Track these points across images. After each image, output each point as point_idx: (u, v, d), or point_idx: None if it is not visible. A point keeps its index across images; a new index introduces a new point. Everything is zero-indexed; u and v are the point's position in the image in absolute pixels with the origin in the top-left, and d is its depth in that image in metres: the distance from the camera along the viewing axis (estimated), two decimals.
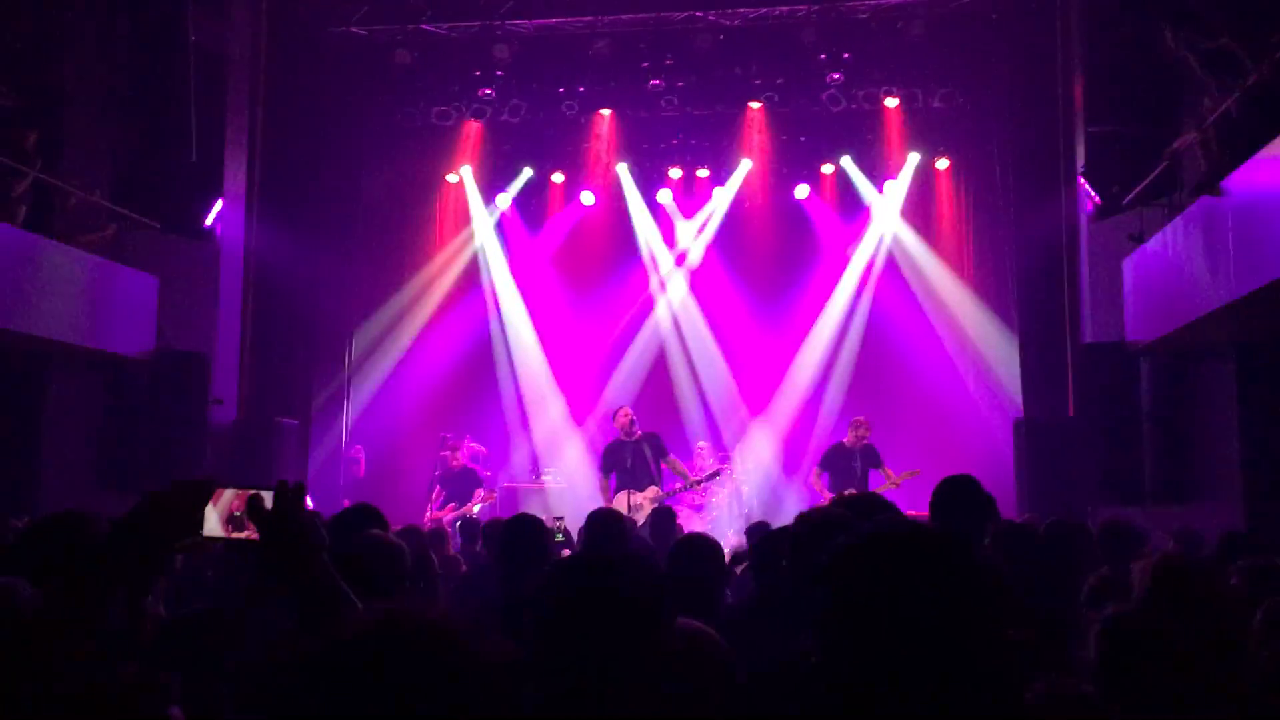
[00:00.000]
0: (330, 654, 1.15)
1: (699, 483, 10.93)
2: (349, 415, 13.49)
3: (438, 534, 7.47)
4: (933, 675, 1.40)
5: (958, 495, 4.22)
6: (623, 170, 14.19)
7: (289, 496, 2.00)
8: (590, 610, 1.85)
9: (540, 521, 4.88)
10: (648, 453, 10.63)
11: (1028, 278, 11.84)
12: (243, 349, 11.78)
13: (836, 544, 1.52)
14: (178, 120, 10.49)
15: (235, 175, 11.65)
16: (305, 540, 1.97)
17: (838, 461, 10.81)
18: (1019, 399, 11.89)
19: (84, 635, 1.93)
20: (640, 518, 9.38)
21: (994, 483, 11.27)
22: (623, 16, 12.64)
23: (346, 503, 8.77)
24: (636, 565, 1.99)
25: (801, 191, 14.01)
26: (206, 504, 1.93)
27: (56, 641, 1.91)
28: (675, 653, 1.95)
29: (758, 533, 5.59)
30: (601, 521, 5.18)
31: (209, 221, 11.14)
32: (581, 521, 7.33)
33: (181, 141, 10.48)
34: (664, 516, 7.11)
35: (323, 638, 1.17)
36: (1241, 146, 6.89)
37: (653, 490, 10.39)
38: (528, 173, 14.26)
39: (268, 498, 2.00)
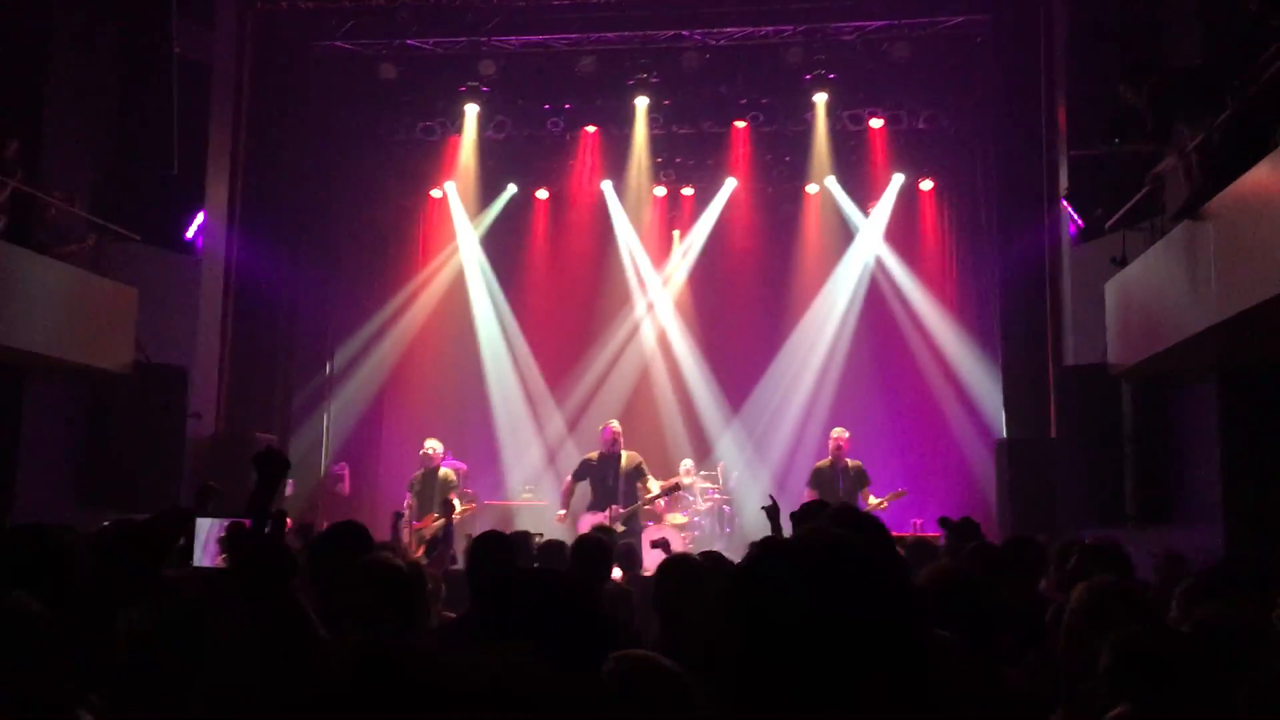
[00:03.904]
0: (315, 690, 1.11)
1: (654, 499, 10.80)
2: (330, 431, 13.38)
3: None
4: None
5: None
6: (607, 188, 14.19)
7: (261, 526, 1.98)
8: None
9: (506, 538, 4.92)
10: (623, 471, 10.59)
11: (1010, 300, 11.84)
12: (222, 363, 11.68)
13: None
14: (160, 131, 10.38)
15: (218, 188, 11.57)
16: (274, 569, 1.95)
17: (822, 482, 10.83)
18: (1002, 421, 11.90)
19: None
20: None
21: (978, 505, 11.31)
22: (609, 34, 12.66)
23: (325, 523, 8.68)
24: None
25: (787, 211, 14.04)
26: (184, 533, 1.92)
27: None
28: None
29: None
30: (586, 548, 5.23)
31: (190, 234, 11.06)
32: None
33: (163, 153, 10.37)
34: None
35: (300, 675, 1.14)
36: (1223, 171, 6.91)
37: (613, 509, 10.34)
38: (512, 189, 14.25)
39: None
